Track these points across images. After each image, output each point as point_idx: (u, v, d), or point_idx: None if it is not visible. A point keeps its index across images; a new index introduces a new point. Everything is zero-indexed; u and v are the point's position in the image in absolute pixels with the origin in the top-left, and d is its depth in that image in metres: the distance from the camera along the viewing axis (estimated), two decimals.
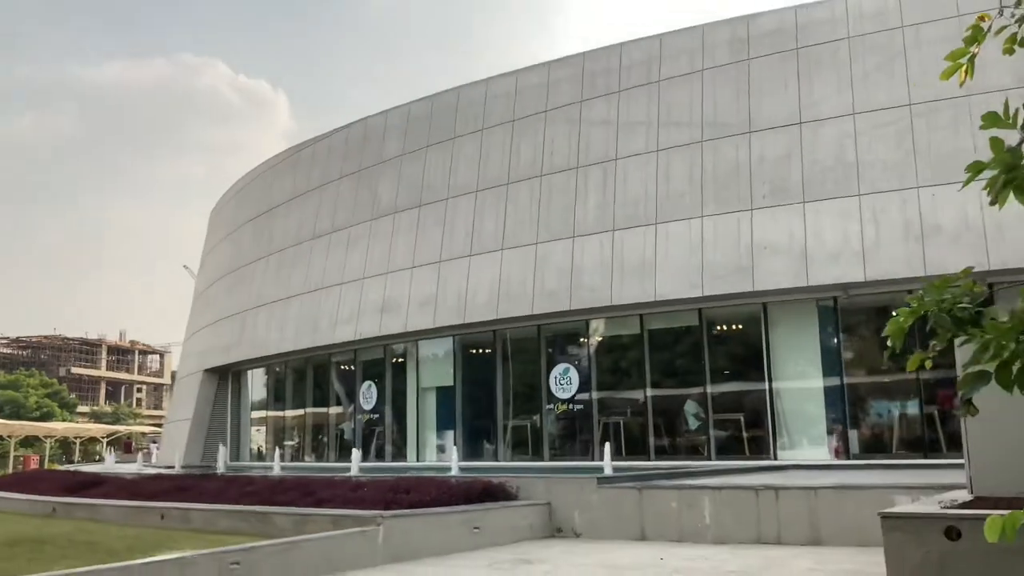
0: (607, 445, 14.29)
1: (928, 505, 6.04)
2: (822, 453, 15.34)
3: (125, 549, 9.52)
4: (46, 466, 41.75)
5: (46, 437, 52.82)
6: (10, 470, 40.80)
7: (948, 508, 5.81)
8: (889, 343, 4.19)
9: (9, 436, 46.14)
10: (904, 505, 6.44)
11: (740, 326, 16.99)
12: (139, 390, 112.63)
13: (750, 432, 16.22)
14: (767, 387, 15.87)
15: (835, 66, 15.74)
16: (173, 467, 22.91)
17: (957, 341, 4.19)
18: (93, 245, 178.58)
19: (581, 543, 11.08)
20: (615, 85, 18.16)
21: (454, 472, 14.92)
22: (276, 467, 18.61)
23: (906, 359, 3.62)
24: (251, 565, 8.36)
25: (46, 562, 8.54)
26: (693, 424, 16.90)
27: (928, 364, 4.44)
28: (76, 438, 56.57)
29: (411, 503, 10.63)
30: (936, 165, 14.32)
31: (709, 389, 16.58)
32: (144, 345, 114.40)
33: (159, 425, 79.87)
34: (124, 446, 54.35)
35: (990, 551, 5.16)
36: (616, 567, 9.09)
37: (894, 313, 4.19)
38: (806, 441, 15.66)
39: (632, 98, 17.85)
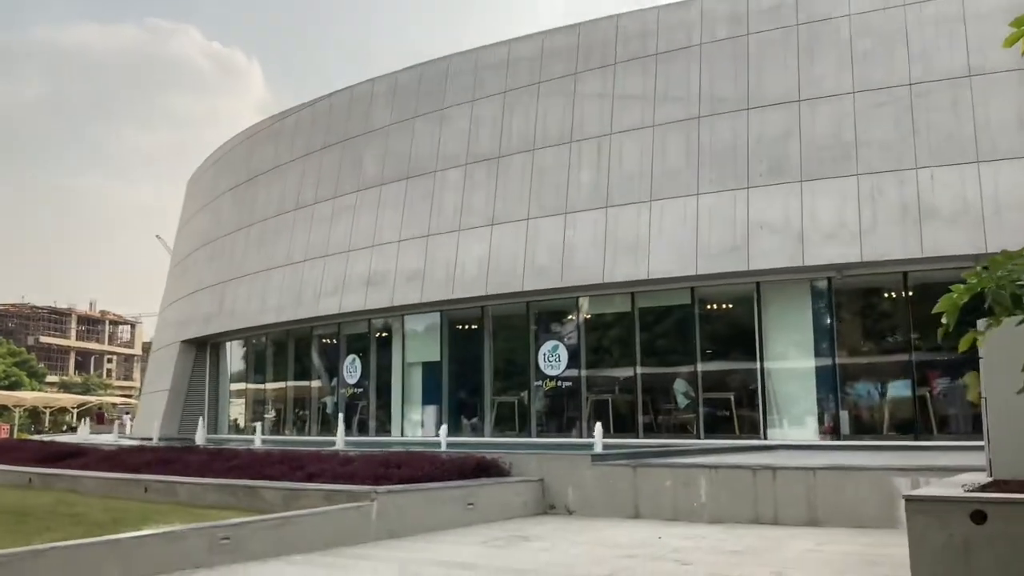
0: (598, 423, 14.17)
1: (951, 488, 5.92)
2: (812, 433, 15.34)
3: (111, 522, 9.24)
4: (15, 436, 41.12)
5: (15, 406, 52.06)
6: None
7: (972, 491, 5.69)
8: (944, 320, 4.01)
9: None
10: (927, 488, 6.32)
11: (732, 305, 16.92)
12: (109, 361, 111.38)
13: (740, 411, 16.18)
14: (758, 367, 15.81)
15: (835, 44, 15.56)
16: (151, 439, 22.53)
17: (1012, 320, 4.02)
18: (60, 213, 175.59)
19: (575, 520, 10.97)
20: (610, 58, 17.86)
21: (442, 447, 14.75)
22: (258, 440, 18.34)
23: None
24: (242, 540, 8.13)
25: (28, 534, 8.24)
26: (682, 402, 16.84)
27: (980, 343, 4.27)
28: (46, 408, 55.84)
29: (403, 478, 10.45)
30: (935, 146, 14.24)
31: (700, 368, 16.50)
32: (115, 315, 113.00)
33: (130, 396, 79.13)
34: (97, 417, 53.65)
35: (1016, 535, 5.07)
36: (614, 545, 8.97)
37: (949, 288, 4.01)
38: (796, 421, 15.65)
39: (628, 72, 17.58)
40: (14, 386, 65.40)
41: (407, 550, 8.79)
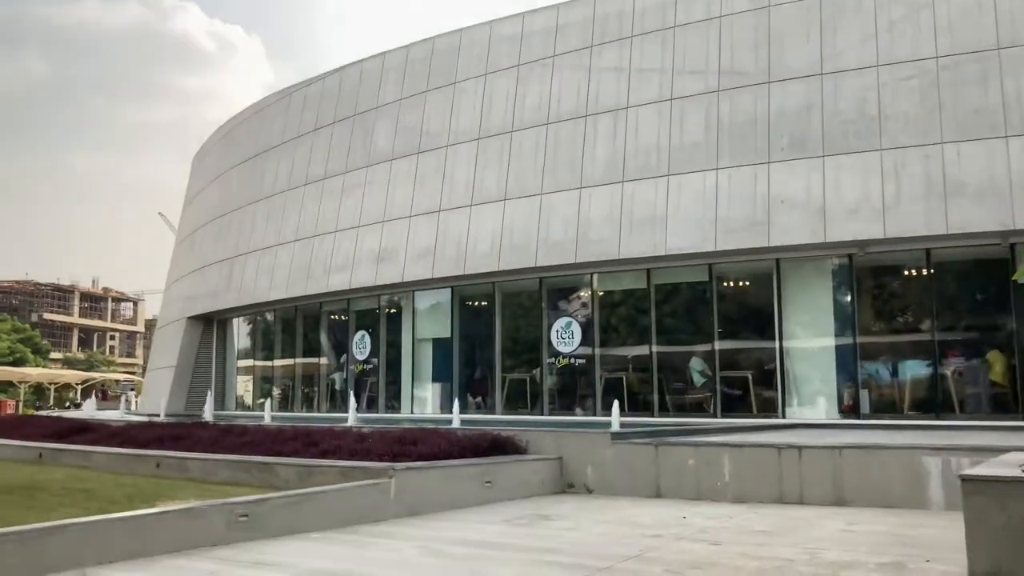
0: (615, 401, 13.94)
1: (1007, 468, 5.70)
2: (831, 412, 15.13)
3: (125, 498, 9.10)
4: (20, 412, 41.06)
5: (20, 382, 52.02)
6: None
7: None
8: None
9: None
10: (983, 467, 6.10)
11: (751, 282, 16.66)
12: (112, 338, 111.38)
13: (757, 390, 15.96)
14: (777, 345, 15.57)
15: (859, 15, 15.19)
16: (158, 415, 22.38)
17: None
18: (62, 190, 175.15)
19: (595, 499, 10.80)
20: (627, 30, 17.49)
21: (455, 424, 14.55)
22: (267, 416, 18.16)
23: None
24: (260, 517, 7.98)
25: (42, 510, 8.10)
26: (699, 381, 16.62)
27: None
28: (51, 384, 55.80)
29: (420, 455, 10.29)
30: (962, 121, 13.91)
31: (717, 346, 16.28)
32: (117, 292, 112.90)
33: (133, 373, 79.15)
34: (101, 394, 53.61)
35: None
36: (639, 525, 8.79)
37: None
38: (815, 400, 15.43)
39: (645, 44, 17.21)
40: (18, 362, 65.32)
41: (427, 528, 8.63)
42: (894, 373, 15.14)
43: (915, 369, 14.92)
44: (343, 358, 22.58)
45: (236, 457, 11.03)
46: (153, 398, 28.41)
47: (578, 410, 18.10)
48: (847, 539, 7.88)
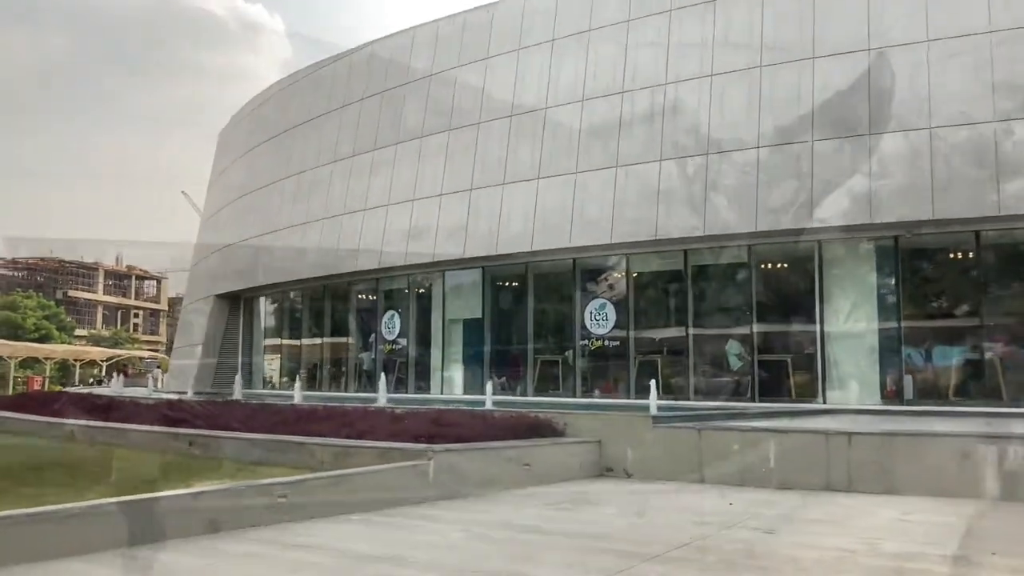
0: (652, 383, 13.69)
1: None
2: (873, 398, 14.77)
3: (160, 477, 9.02)
4: (47, 388, 41.39)
5: (46, 359, 52.47)
6: (10, 391, 40.47)
7: None
8: None
9: (10, 357, 45.61)
10: None
11: (791, 264, 16.28)
12: (136, 315, 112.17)
13: (796, 374, 15.61)
14: (818, 329, 15.20)
15: None
16: (185, 393, 22.39)
17: None
18: (83, 167, 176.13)
19: (635, 484, 10.59)
20: (667, 3, 17.04)
21: (488, 406, 14.37)
22: (297, 396, 18.03)
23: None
24: (299, 498, 7.81)
25: (78, 488, 7.99)
26: (735, 364, 16.29)
27: None
28: (76, 361, 56.22)
29: (458, 437, 10.10)
30: (1016, 98, 13.42)
31: (755, 328, 15.93)
32: (141, 270, 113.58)
33: (156, 350, 79.76)
34: (123, 371, 53.93)
35: None
36: (684, 510, 8.66)
37: None
38: (857, 385, 15.05)
39: (685, 18, 16.76)
40: (44, 339, 65.85)
41: (468, 511, 8.45)
42: (939, 358, 14.73)
43: (961, 354, 14.52)
44: (372, 338, 22.41)
45: (271, 437, 10.88)
46: (180, 376, 28.47)
47: (596, 392, 17.85)
48: (904, 529, 7.63)
